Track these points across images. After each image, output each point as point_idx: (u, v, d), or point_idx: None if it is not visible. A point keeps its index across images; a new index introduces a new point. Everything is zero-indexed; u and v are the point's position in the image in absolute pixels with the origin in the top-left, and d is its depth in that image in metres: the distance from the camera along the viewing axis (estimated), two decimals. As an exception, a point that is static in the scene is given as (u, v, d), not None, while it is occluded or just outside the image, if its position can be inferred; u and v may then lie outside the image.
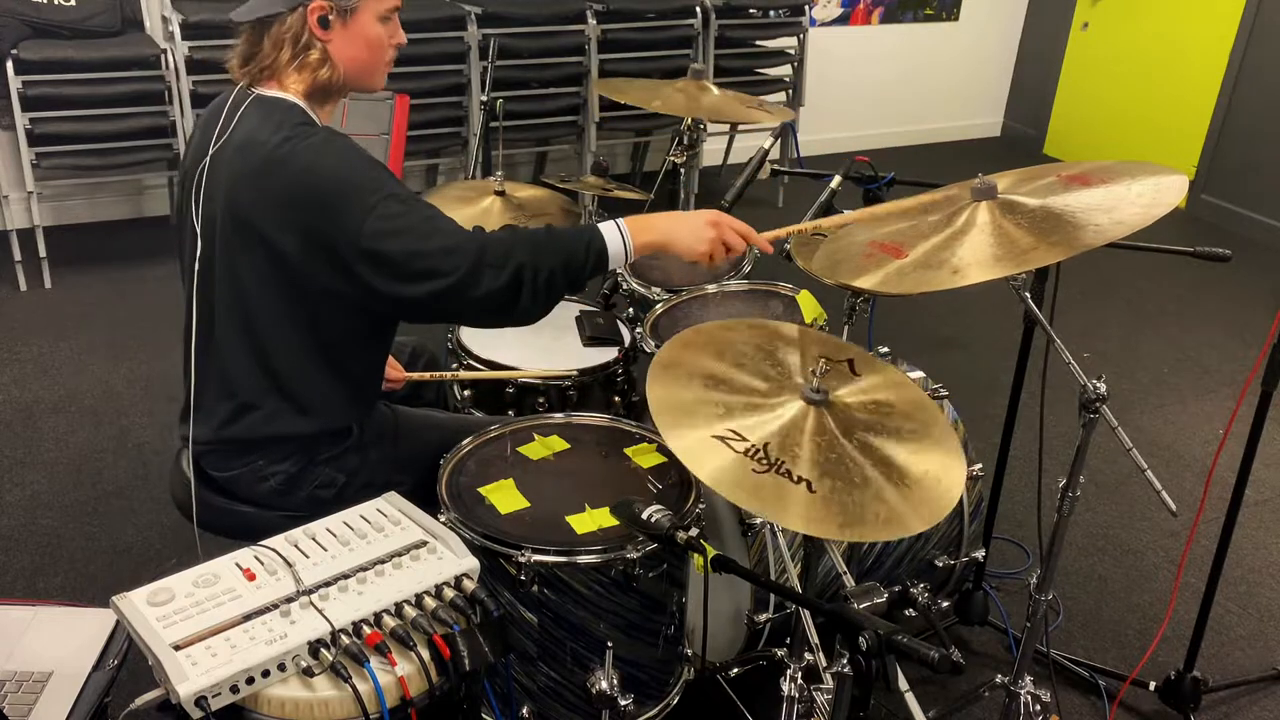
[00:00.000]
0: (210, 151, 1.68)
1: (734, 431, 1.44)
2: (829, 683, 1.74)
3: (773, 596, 1.99)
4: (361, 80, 1.75)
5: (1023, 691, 1.96)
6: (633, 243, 1.69)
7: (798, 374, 1.60)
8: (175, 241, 1.84)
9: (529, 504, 1.72)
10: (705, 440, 1.43)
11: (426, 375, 2.20)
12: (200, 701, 1.22)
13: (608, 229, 1.68)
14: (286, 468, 1.80)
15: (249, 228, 1.64)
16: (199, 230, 1.70)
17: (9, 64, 3.57)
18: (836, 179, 2.08)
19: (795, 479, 1.37)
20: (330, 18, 1.65)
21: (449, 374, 2.26)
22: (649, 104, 2.74)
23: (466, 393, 2.28)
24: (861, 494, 1.37)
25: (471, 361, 2.24)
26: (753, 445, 1.42)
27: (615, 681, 1.66)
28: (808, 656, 1.77)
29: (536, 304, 1.67)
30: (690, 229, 1.73)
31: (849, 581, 1.88)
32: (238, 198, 1.64)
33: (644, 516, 1.40)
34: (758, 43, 4.90)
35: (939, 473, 1.44)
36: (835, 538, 1.33)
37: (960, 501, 2.18)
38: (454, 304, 1.62)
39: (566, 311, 2.48)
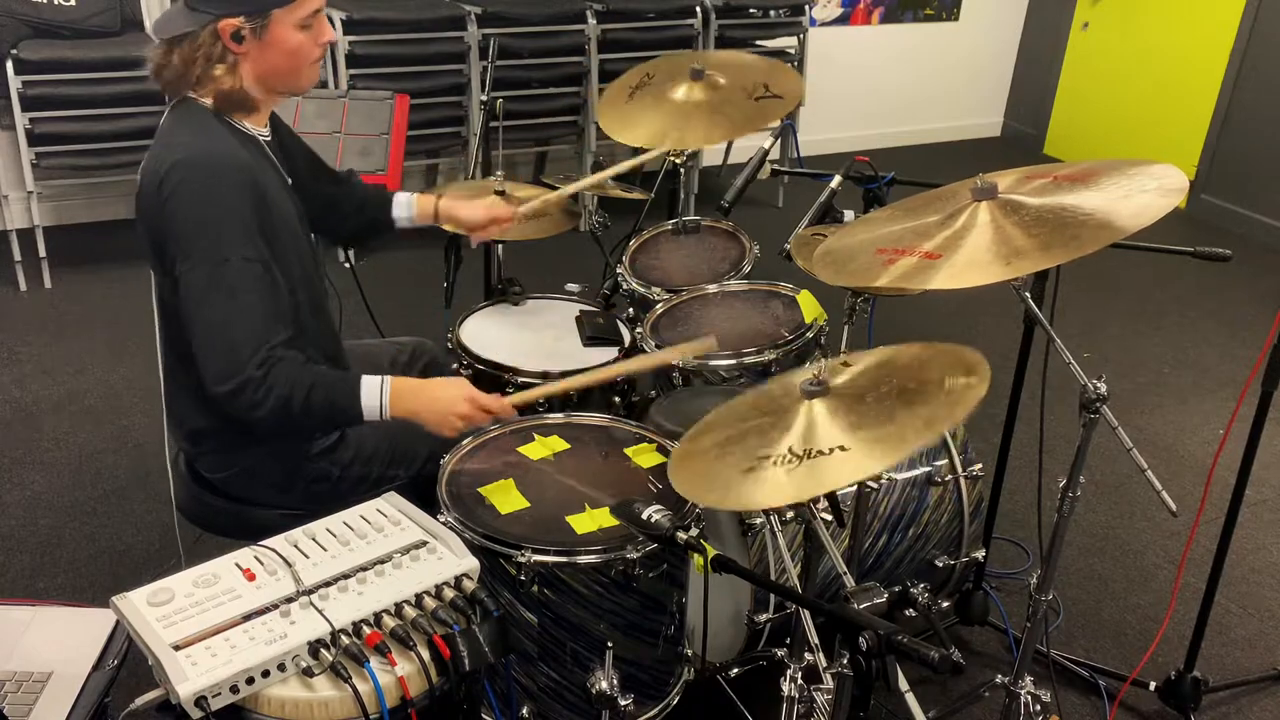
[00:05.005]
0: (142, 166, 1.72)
1: (759, 457, 1.42)
2: (829, 683, 1.73)
3: (773, 596, 1.99)
4: (284, 85, 1.77)
5: (1023, 691, 1.95)
6: (389, 411, 1.69)
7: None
8: None
9: (529, 504, 1.72)
10: (739, 477, 1.41)
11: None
12: (200, 701, 1.22)
13: (369, 397, 1.67)
14: (278, 466, 1.80)
15: (149, 240, 1.68)
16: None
17: (9, 64, 3.57)
18: (836, 179, 2.08)
19: (829, 451, 1.36)
20: (244, 33, 1.66)
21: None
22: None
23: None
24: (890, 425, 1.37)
25: (473, 364, 2.24)
26: (780, 454, 1.40)
27: (615, 681, 1.66)
28: (808, 656, 1.76)
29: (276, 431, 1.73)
30: (440, 414, 1.72)
31: (849, 581, 1.88)
32: (143, 208, 1.69)
33: (644, 516, 1.40)
34: (758, 43, 4.90)
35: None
36: (889, 463, 1.34)
37: (960, 501, 2.18)
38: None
39: (567, 311, 2.48)
